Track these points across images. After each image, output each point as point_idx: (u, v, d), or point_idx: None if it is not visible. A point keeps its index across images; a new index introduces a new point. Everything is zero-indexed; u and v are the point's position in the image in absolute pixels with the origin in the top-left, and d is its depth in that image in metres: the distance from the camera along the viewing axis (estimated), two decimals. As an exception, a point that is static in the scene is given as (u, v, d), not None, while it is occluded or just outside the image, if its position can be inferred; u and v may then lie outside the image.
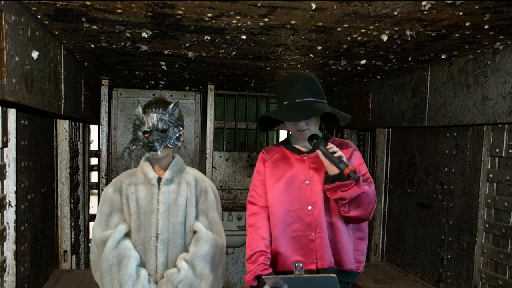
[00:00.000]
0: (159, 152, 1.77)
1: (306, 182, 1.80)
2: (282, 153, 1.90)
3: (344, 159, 1.62)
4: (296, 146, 1.89)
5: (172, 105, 1.83)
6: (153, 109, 1.79)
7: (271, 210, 1.85)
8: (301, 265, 1.62)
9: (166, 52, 2.60)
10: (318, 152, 1.67)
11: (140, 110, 1.81)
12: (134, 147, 1.83)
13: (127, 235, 1.85)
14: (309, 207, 1.77)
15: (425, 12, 1.74)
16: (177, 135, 1.83)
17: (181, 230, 1.86)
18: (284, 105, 1.77)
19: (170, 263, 1.84)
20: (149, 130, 1.78)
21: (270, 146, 1.99)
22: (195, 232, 1.88)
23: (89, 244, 4.26)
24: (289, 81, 1.80)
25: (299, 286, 1.61)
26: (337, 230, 1.76)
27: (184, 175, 1.93)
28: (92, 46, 2.48)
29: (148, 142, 1.77)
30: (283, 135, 5.37)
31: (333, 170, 1.63)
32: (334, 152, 1.63)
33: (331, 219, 1.77)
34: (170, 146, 1.82)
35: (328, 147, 1.65)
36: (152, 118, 1.78)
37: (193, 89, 4.67)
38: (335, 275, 1.55)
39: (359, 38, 2.15)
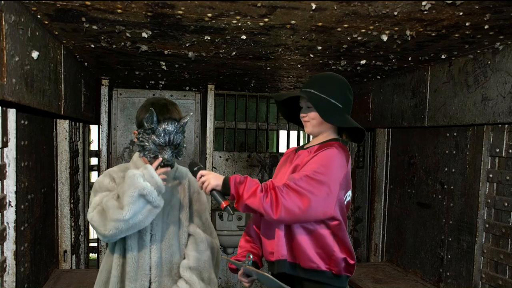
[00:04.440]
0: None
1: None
2: (293, 149, 1.98)
3: (218, 187, 1.70)
4: (305, 146, 1.92)
5: (186, 120, 1.81)
6: (168, 123, 1.75)
7: None
8: (250, 256, 1.71)
9: (166, 52, 2.60)
10: None
11: (155, 119, 1.74)
12: (142, 155, 1.80)
13: None
14: None
15: (425, 12, 1.74)
16: (185, 145, 1.86)
17: (175, 230, 1.87)
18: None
19: (164, 262, 1.85)
20: (164, 145, 1.75)
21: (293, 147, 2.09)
22: (189, 234, 1.89)
23: (89, 240, 4.26)
24: (313, 75, 1.91)
25: (263, 279, 1.68)
26: (291, 226, 1.76)
27: (177, 174, 1.93)
28: (92, 46, 2.48)
29: (166, 160, 1.76)
30: (283, 135, 5.37)
31: None
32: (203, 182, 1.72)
33: None
34: (180, 158, 1.83)
35: (198, 176, 1.74)
36: (169, 134, 1.75)
37: (193, 89, 4.67)
38: (269, 275, 1.60)
39: (359, 38, 2.15)
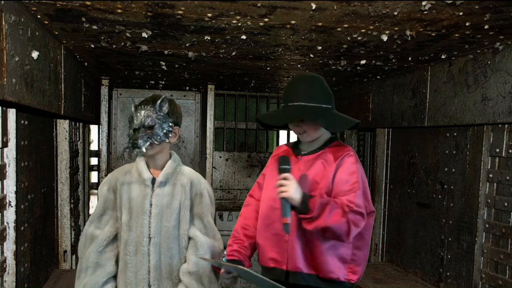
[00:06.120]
0: (143, 149, 1.75)
1: None
2: (287, 152, 1.90)
3: (293, 202, 1.60)
4: (301, 147, 1.87)
5: (159, 100, 1.79)
6: (142, 106, 1.79)
7: (260, 204, 1.87)
8: (224, 252, 1.74)
9: (166, 52, 2.60)
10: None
11: (133, 108, 1.81)
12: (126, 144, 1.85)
13: (116, 237, 1.86)
14: None
15: (425, 12, 1.74)
16: (165, 130, 1.78)
17: (174, 233, 1.84)
18: (280, 107, 1.80)
19: (163, 265, 1.84)
20: (137, 127, 1.76)
21: (283, 145, 2.00)
22: (190, 238, 1.87)
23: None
24: (290, 83, 1.81)
25: (244, 276, 1.69)
26: (312, 236, 1.71)
27: (180, 176, 1.89)
28: (92, 46, 2.48)
29: (134, 140, 1.76)
30: (283, 135, 5.37)
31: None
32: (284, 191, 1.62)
33: None
34: (156, 143, 1.78)
35: (280, 176, 1.64)
36: (140, 115, 1.77)
37: (193, 89, 4.68)
38: (248, 270, 1.62)
39: (359, 38, 2.15)
